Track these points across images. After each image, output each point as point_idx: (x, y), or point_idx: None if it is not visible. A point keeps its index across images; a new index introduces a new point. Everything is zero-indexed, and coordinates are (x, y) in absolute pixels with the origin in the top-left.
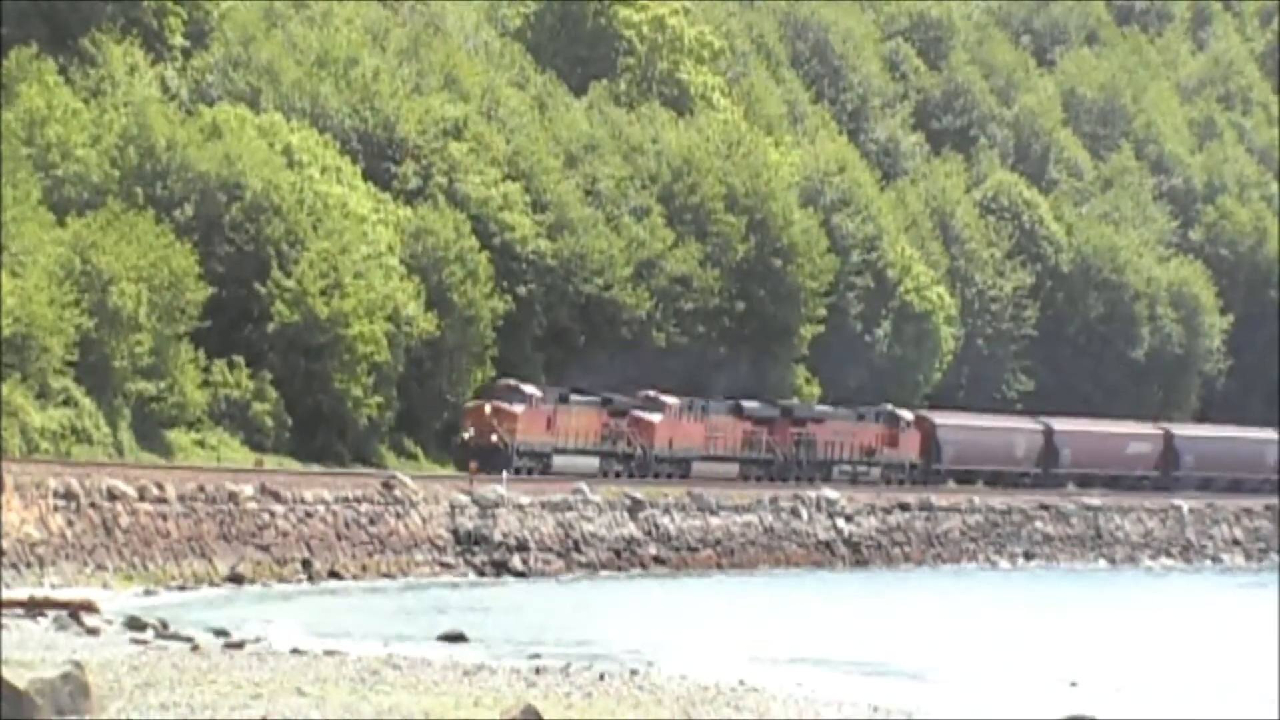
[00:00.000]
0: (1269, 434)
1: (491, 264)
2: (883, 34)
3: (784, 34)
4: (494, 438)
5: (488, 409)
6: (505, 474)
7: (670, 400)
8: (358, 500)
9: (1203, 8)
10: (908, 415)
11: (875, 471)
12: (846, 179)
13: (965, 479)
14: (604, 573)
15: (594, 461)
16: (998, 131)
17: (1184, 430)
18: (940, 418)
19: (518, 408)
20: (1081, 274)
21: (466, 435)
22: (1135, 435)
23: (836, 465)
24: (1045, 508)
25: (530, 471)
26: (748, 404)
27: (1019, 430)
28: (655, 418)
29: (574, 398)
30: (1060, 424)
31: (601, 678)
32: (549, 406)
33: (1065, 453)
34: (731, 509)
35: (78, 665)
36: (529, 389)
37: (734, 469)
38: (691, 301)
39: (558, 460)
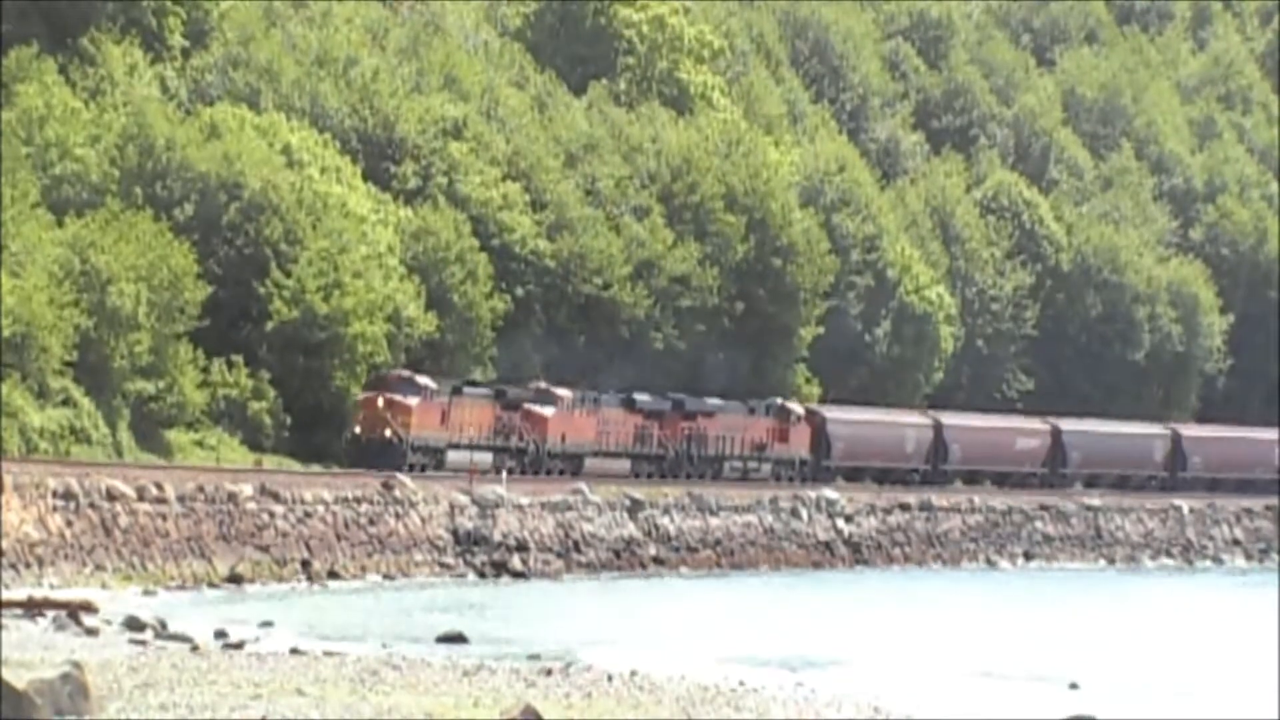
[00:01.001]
0: (1157, 429)
1: (491, 264)
2: (883, 33)
3: (784, 33)
4: (387, 432)
5: (380, 402)
6: (504, 474)
7: (563, 392)
8: (357, 500)
9: (1203, 7)
10: (798, 409)
11: (766, 468)
12: (846, 178)
13: (854, 475)
14: (604, 573)
15: (487, 457)
16: (998, 131)
17: (1072, 425)
18: (830, 412)
19: (412, 400)
20: (1082, 274)
21: (358, 429)
22: (1023, 431)
23: (727, 461)
24: (1045, 508)
25: (424, 468)
26: (639, 396)
27: (909, 425)
28: (548, 411)
29: (467, 390)
30: (950, 419)
31: (610, 680)
32: (443, 399)
33: (954, 449)
34: (731, 509)
35: (77, 665)
36: (423, 380)
37: (626, 465)
38: (691, 301)
39: (451, 456)
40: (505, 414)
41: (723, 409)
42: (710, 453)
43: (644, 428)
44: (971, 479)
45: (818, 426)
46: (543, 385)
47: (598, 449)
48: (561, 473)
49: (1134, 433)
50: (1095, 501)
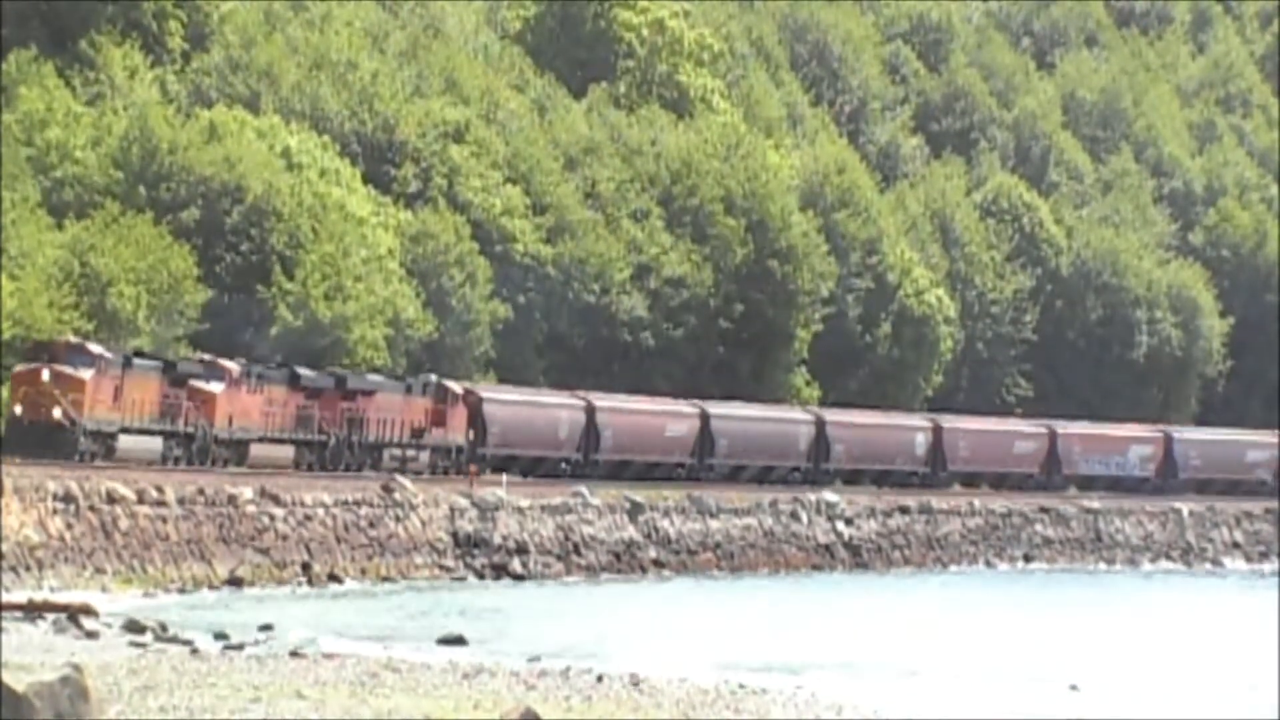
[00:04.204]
0: (803, 415)
1: (491, 269)
2: (882, 36)
3: (783, 36)
4: (56, 412)
5: (46, 375)
6: (505, 477)
7: (230, 365)
8: (357, 503)
9: (1203, 9)
10: (457, 389)
11: (424, 457)
12: (846, 181)
13: (507, 465)
14: (604, 576)
15: (156, 444)
16: (998, 134)
17: (719, 409)
18: (487, 392)
19: (85, 373)
20: (1081, 277)
21: (18, 409)
22: (674, 414)
23: (387, 448)
24: (1045, 510)
25: (94, 457)
26: (303, 371)
27: (562, 407)
28: (216, 388)
29: (137, 361)
30: (601, 401)
31: (610, 682)
32: (117, 372)
33: (606, 435)
34: (731, 512)
35: (77, 668)
36: (96, 349)
37: (289, 453)
38: (690, 304)
39: (123, 441)
40: (173, 391)
41: (382, 386)
42: (370, 438)
43: (305, 408)
44: (619, 469)
45: (474, 408)
46: (207, 357)
47: (264, 433)
48: (226, 463)
49: (781, 417)
50: (1095, 504)
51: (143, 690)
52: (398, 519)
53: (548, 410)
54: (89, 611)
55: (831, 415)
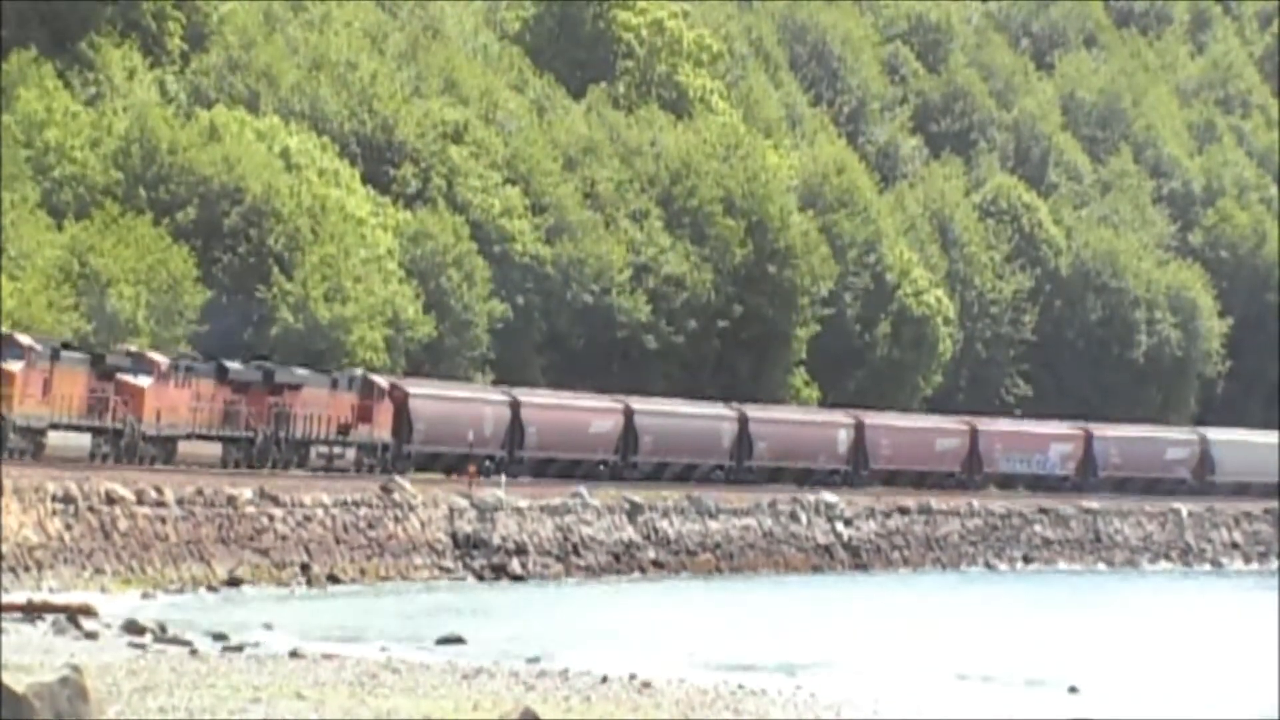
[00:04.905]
0: (723, 411)
1: (489, 269)
2: (881, 37)
3: (783, 37)
4: None
5: None
6: (504, 477)
7: (159, 358)
8: (356, 504)
9: (1202, 10)
10: (383, 383)
11: (351, 454)
12: (845, 182)
13: (429, 463)
14: (603, 576)
15: (85, 440)
16: (997, 135)
17: (643, 405)
18: (415, 387)
19: (14, 365)
20: (1080, 277)
21: None
22: (598, 410)
23: (313, 445)
24: (1045, 511)
25: (23, 454)
26: (231, 364)
27: (488, 403)
28: (144, 382)
29: (65, 354)
30: (527, 396)
31: (609, 683)
32: (46, 364)
33: (531, 431)
34: (730, 512)
35: (76, 669)
36: (25, 339)
37: (217, 450)
38: (689, 304)
39: (52, 438)
40: (100, 385)
41: (309, 380)
42: (297, 434)
43: (234, 403)
44: (541, 468)
45: (400, 404)
46: (135, 349)
47: (192, 430)
48: (153, 461)
49: (705, 414)
50: (1094, 505)
51: (142, 691)
52: (397, 520)
53: (474, 406)
54: (89, 612)
55: (754, 412)
